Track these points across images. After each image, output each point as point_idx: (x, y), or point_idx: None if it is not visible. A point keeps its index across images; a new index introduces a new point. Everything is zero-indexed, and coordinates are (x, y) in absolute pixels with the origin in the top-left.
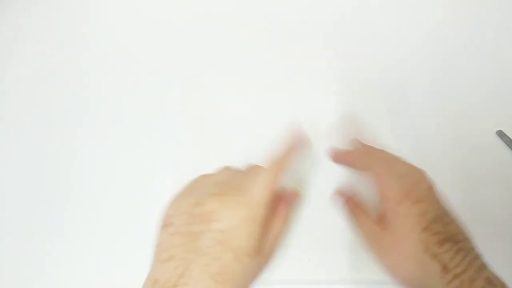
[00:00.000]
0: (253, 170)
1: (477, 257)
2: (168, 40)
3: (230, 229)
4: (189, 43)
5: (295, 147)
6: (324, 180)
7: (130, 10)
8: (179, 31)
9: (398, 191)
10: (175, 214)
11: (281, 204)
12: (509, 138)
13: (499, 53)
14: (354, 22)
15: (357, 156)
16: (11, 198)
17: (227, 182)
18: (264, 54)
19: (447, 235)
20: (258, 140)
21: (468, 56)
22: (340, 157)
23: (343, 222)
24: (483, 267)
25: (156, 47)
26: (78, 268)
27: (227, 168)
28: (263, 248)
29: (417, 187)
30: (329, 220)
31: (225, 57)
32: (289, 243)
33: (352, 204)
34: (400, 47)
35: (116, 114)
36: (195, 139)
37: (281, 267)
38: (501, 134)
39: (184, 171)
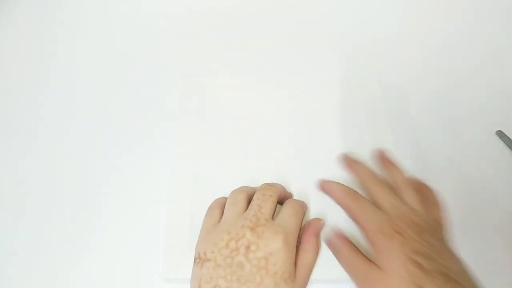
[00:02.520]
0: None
1: None
2: (167, 40)
3: (269, 255)
4: (188, 42)
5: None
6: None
7: (129, 7)
8: (179, 30)
9: (376, 222)
10: (212, 250)
11: (307, 232)
12: (509, 138)
13: (499, 52)
14: (354, 22)
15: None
16: (20, 201)
17: (255, 212)
18: (263, 53)
19: (433, 269)
20: (257, 138)
21: (467, 56)
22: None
23: (341, 222)
24: None
25: (155, 47)
26: (75, 268)
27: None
28: (297, 277)
29: (400, 219)
30: (326, 220)
31: (224, 56)
32: None
33: (348, 244)
34: (400, 47)
35: (116, 113)
36: (194, 139)
37: None
38: (501, 134)
39: (183, 169)
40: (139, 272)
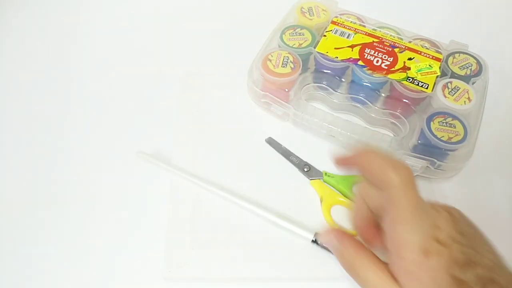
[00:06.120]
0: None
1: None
2: (167, 38)
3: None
4: (187, 41)
5: None
6: None
7: (129, 5)
8: (179, 29)
9: (420, 241)
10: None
11: None
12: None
13: None
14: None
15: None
16: (10, 197)
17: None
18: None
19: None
20: (256, 136)
21: None
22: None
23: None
24: None
25: (155, 45)
26: (76, 268)
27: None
28: None
29: (436, 233)
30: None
31: (223, 55)
32: (288, 240)
33: (353, 244)
34: None
35: (116, 112)
36: (194, 137)
37: (280, 265)
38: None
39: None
40: (141, 271)
